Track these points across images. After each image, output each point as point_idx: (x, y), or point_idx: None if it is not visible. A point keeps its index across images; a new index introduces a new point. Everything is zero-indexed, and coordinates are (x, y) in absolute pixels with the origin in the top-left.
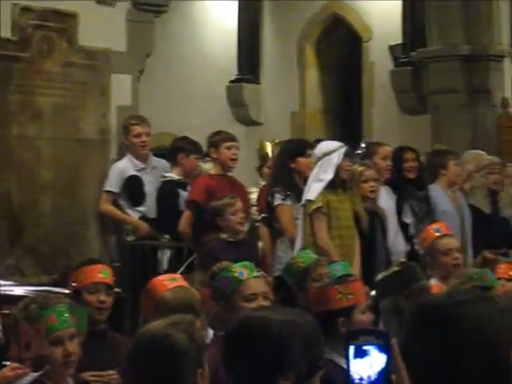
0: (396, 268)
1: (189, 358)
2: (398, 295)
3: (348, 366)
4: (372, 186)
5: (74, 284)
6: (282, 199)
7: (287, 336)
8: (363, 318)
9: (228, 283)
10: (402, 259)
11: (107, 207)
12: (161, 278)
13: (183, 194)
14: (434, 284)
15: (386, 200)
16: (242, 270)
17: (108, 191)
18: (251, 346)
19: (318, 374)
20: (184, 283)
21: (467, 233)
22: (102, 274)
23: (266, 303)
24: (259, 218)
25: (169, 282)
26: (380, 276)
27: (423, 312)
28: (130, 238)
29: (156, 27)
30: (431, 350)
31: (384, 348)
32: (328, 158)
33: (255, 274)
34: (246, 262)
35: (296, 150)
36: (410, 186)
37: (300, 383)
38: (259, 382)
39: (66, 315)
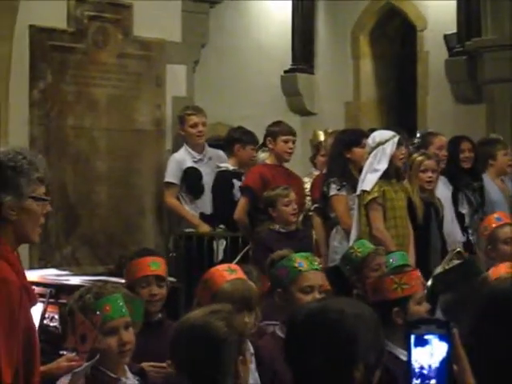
0: (456, 261)
1: (228, 345)
2: (458, 289)
3: (409, 355)
4: (430, 177)
5: (126, 280)
6: (338, 189)
7: (361, 328)
8: (420, 308)
9: (287, 273)
10: (458, 249)
11: (173, 201)
12: (219, 268)
13: (238, 185)
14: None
15: (443, 190)
16: (301, 261)
17: (169, 182)
18: (327, 337)
19: (381, 366)
20: (243, 275)
21: None
22: (152, 266)
23: (320, 296)
24: (312, 208)
25: (227, 273)
26: (440, 269)
27: (487, 299)
28: (187, 230)
29: (210, 18)
30: (494, 337)
31: (445, 337)
32: (382, 147)
33: (315, 266)
34: (307, 254)
35: (351, 140)
36: (466, 176)
37: (368, 375)
38: (334, 373)
39: (121, 304)
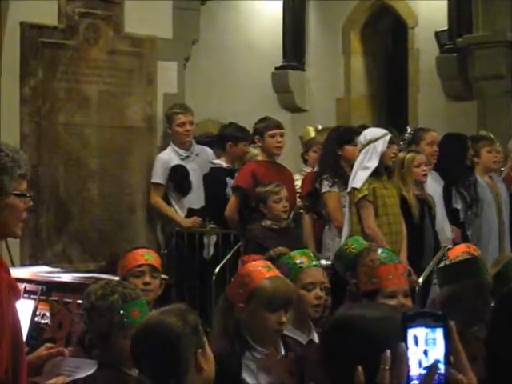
0: (462, 257)
1: (184, 340)
2: (458, 283)
3: (406, 349)
4: (424, 170)
5: (120, 275)
6: (330, 186)
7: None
8: (390, 302)
9: (288, 270)
10: (449, 246)
11: (156, 200)
12: (255, 264)
13: (231, 183)
14: None
15: (433, 185)
16: (302, 258)
17: (155, 183)
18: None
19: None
20: (279, 273)
21: (505, 220)
22: (146, 256)
23: (322, 293)
24: (302, 206)
25: (265, 270)
26: (443, 264)
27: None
28: (177, 228)
29: (202, 15)
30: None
31: (441, 331)
32: (373, 145)
33: (315, 262)
34: (305, 250)
35: (344, 137)
36: (461, 173)
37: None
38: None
39: (146, 308)
